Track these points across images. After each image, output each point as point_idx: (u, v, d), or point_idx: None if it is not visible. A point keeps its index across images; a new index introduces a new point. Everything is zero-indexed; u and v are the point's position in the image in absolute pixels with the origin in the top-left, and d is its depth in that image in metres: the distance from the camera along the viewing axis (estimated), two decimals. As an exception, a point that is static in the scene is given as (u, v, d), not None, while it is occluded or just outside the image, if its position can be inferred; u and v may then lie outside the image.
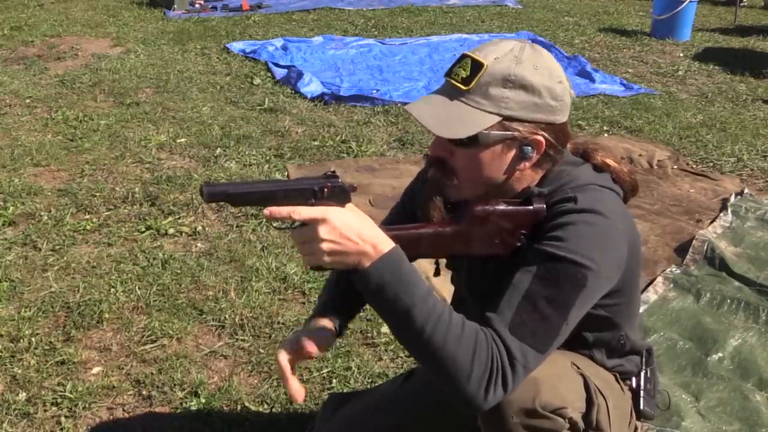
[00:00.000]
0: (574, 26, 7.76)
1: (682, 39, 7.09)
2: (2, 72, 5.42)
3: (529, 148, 1.26)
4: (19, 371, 2.16)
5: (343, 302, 1.55)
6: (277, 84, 5.28)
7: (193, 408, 2.03)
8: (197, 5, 8.06)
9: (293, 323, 2.40)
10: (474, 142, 1.24)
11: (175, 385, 2.12)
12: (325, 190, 1.16)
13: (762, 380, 2.20)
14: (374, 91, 5.05)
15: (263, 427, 1.97)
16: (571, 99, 1.30)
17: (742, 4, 9.05)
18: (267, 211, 1.12)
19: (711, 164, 4.03)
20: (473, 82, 1.24)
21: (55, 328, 2.39)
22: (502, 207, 1.28)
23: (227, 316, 2.44)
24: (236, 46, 6.24)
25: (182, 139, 4.12)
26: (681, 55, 6.57)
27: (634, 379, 1.49)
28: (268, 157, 3.89)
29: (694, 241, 2.98)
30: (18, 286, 2.61)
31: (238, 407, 2.04)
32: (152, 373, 2.17)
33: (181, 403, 2.06)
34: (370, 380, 2.14)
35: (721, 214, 3.30)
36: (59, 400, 2.05)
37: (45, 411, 2.02)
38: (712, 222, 3.25)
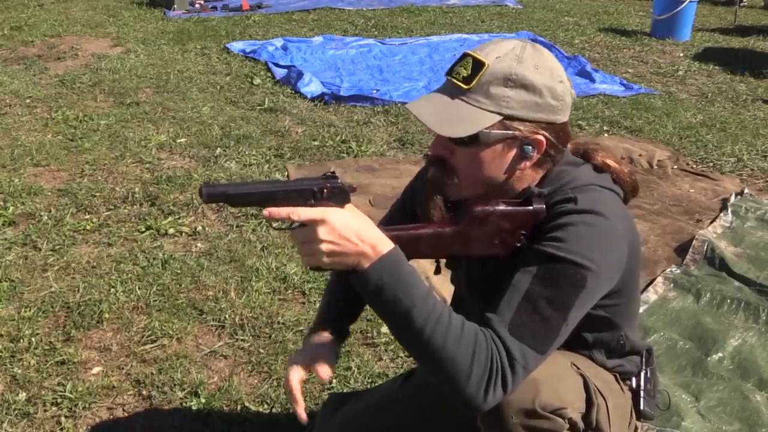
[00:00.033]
0: (574, 26, 7.76)
1: (682, 39, 7.09)
2: (2, 72, 5.43)
3: (530, 147, 1.26)
4: (19, 371, 2.16)
5: (346, 304, 1.55)
6: (277, 84, 5.28)
7: (193, 408, 2.03)
8: (197, 5, 8.06)
9: (293, 323, 2.40)
10: (474, 141, 1.24)
11: (175, 385, 2.12)
12: (325, 190, 1.16)
13: (762, 380, 2.20)
14: (374, 91, 5.05)
15: (263, 427, 1.97)
16: (572, 99, 1.30)
17: (742, 4, 9.05)
18: (266, 211, 1.12)
19: (711, 164, 4.03)
20: (474, 81, 1.24)
21: (55, 328, 2.39)
22: (501, 207, 1.28)
23: (227, 316, 2.44)
24: (236, 46, 6.24)
25: (182, 139, 4.12)
26: (681, 55, 6.58)
27: (634, 379, 1.49)
28: (268, 157, 3.89)
29: (694, 241, 2.98)
30: (18, 286, 2.61)
31: (238, 407, 2.04)
32: (152, 373, 2.17)
33: (181, 403, 2.06)
34: (370, 380, 2.14)
35: (721, 214, 3.31)
36: (59, 400, 2.05)
37: (45, 411, 2.02)
38: (712, 222, 3.25)
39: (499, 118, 1.23)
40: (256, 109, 4.70)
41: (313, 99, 4.91)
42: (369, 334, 2.34)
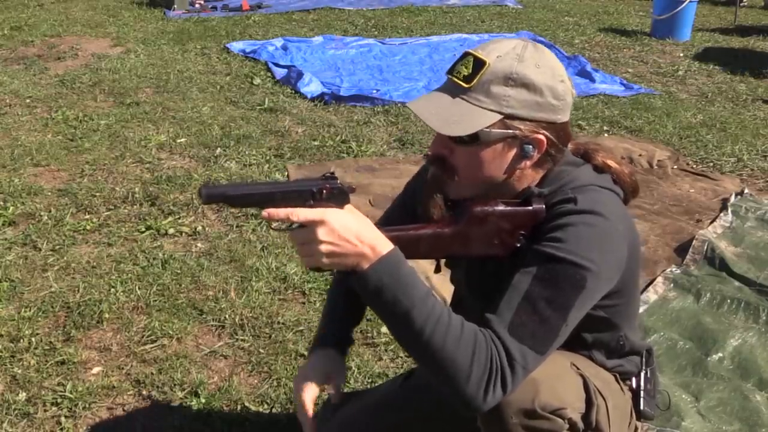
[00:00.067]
0: (574, 26, 7.76)
1: (682, 39, 7.09)
2: (2, 72, 5.42)
3: (530, 146, 1.26)
4: (19, 371, 2.16)
5: (349, 314, 1.57)
6: (277, 84, 5.28)
7: (193, 408, 2.03)
8: (197, 5, 8.06)
9: (293, 323, 2.40)
10: (475, 140, 1.24)
11: (175, 385, 2.12)
12: (324, 191, 1.15)
13: (762, 380, 2.20)
14: (374, 91, 5.05)
15: (263, 427, 1.97)
16: (572, 98, 1.30)
17: (742, 4, 9.05)
18: (265, 212, 1.12)
19: (711, 164, 4.03)
20: (475, 80, 1.24)
21: (55, 328, 2.39)
22: (500, 207, 1.28)
23: (227, 316, 2.44)
24: (236, 46, 6.24)
25: (182, 139, 4.12)
26: (681, 55, 6.57)
27: (634, 380, 1.49)
28: (268, 157, 3.89)
29: (694, 241, 2.98)
30: (18, 286, 2.61)
31: (238, 407, 2.04)
32: (152, 373, 2.17)
33: (181, 403, 2.06)
34: (370, 380, 2.14)
35: (721, 214, 3.31)
36: (59, 400, 2.05)
37: (45, 411, 2.02)
38: (712, 222, 3.25)
39: (500, 117, 1.23)
40: (256, 109, 4.70)
41: (313, 99, 4.91)
42: (369, 334, 2.34)
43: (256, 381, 2.16)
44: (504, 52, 1.24)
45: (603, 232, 1.21)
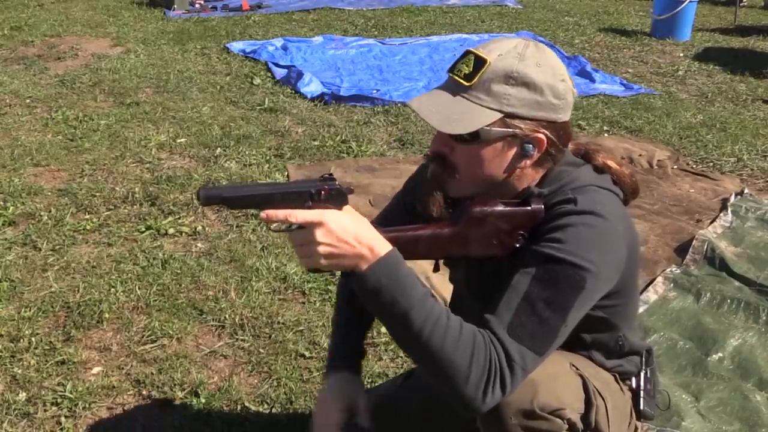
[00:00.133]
0: (574, 26, 7.76)
1: (682, 39, 7.09)
2: (2, 72, 5.42)
3: (530, 146, 1.26)
4: (19, 371, 2.16)
5: (358, 316, 1.57)
6: (277, 84, 5.28)
7: (193, 408, 2.03)
8: (197, 5, 8.06)
9: (293, 323, 2.40)
10: (475, 138, 1.24)
11: (175, 385, 2.12)
12: (322, 192, 1.16)
13: (762, 380, 2.20)
14: (374, 91, 5.05)
15: (263, 427, 1.97)
16: (573, 98, 1.30)
17: (742, 4, 9.05)
18: (264, 214, 1.12)
19: (711, 164, 4.03)
20: (476, 78, 1.23)
21: (55, 328, 2.39)
22: (499, 208, 1.28)
23: (227, 316, 2.44)
24: (236, 46, 6.24)
25: (182, 139, 4.12)
26: (681, 55, 6.57)
27: (633, 380, 1.49)
28: (268, 157, 3.89)
29: (694, 241, 2.98)
30: (18, 286, 2.61)
31: (238, 407, 2.04)
32: (152, 373, 2.17)
33: (181, 403, 2.06)
34: (370, 380, 2.14)
35: (721, 214, 3.31)
36: (59, 400, 2.05)
37: (45, 411, 2.02)
38: (712, 222, 3.25)
39: (500, 115, 1.23)
40: (256, 109, 4.70)
41: (313, 99, 4.91)
42: (369, 334, 2.33)
43: (256, 381, 2.16)
44: (505, 50, 1.24)
45: (602, 233, 1.21)
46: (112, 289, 2.59)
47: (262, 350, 2.28)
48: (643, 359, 1.50)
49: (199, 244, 2.95)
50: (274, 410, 2.03)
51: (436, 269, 1.44)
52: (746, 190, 3.57)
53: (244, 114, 4.60)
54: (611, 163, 1.35)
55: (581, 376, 1.31)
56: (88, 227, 3.05)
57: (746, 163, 4.03)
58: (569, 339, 1.24)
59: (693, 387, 2.16)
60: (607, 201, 1.27)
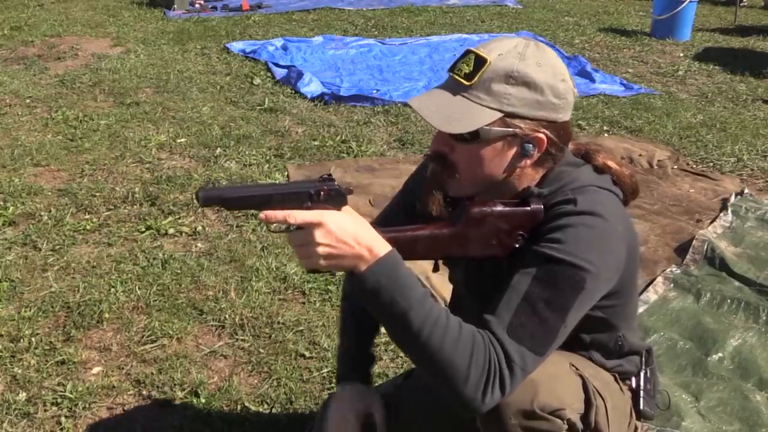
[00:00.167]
0: (574, 26, 7.76)
1: (682, 39, 7.09)
2: (2, 72, 5.43)
3: (531, 145, 1.26)
4: (19, 371, 2.16)
5: (366, 321, 1.56)
6: (277, 84, 5.28)
7: (193, 408, 2.03)
8: (197, 5, 8.06)
9: (293, 323, 2.40)
10: (475, 137, 1.24)
11: (175, 385, 2.12)
12: (321, 193, 1.16)
13: (762, 380, 2.20)
14: (374, 91, 5.05)
15: (263, 427, 1.97)
16: (574, 97, 1.29)
17: (742, 4, 9.05)
18: (263, 215, 1.12)
19: (711, 164, 4.03)
20: (476, 78, 1.23)
21: (55, 328, 2.39)
22: (499, 208, 1.28)
23: (227, 316, 2.44)
24: (236, 46, 6.24)
25: (182, 139, 4.12)
26: (681, 55, 6.57)
27: (633, 380, 1.49)
28: (268, 157, 3.89)
29: (694, 241, 2.98)
30: (18, 286, 2.61)
31: (238, 407, 2.04)
32: (152, 373, 2.17)
33: (181, 403, 2.06)
34: (369, 380, 2.13)
35: (721, 214, 3.31)
36: (59, 400, 2.05)
37: (45, 411, 2.02)
38: (712, 222, 3.25)
39: (500, 115, 1.23)
40: (256, 109, 4.70)
41: (313, 99, 4.91)
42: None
43: (256, 381, 2.16)
44: (505, 50, 1.24)
45: (602, 234, 1.21)
46: (112, 289, 2.59)
47: (262, 350, 2.28)
48: (643, 359, 1.50)
49: (199, 244, 2.95)
50: (274, 410, 2.03)
51: (435, 269, 1.44)
52: (746, 190, 3.57)
53: (244, 114, 4.60)
54: (611, 164, 1.35)
55: (581, 376, 1.31)
56: (88, 227, 3.05)
57: (746, 163, 4.03)
58: (569, 339, 1.24)
59: (693, 387, 2.16)
60: (606, 201, 1.27)
